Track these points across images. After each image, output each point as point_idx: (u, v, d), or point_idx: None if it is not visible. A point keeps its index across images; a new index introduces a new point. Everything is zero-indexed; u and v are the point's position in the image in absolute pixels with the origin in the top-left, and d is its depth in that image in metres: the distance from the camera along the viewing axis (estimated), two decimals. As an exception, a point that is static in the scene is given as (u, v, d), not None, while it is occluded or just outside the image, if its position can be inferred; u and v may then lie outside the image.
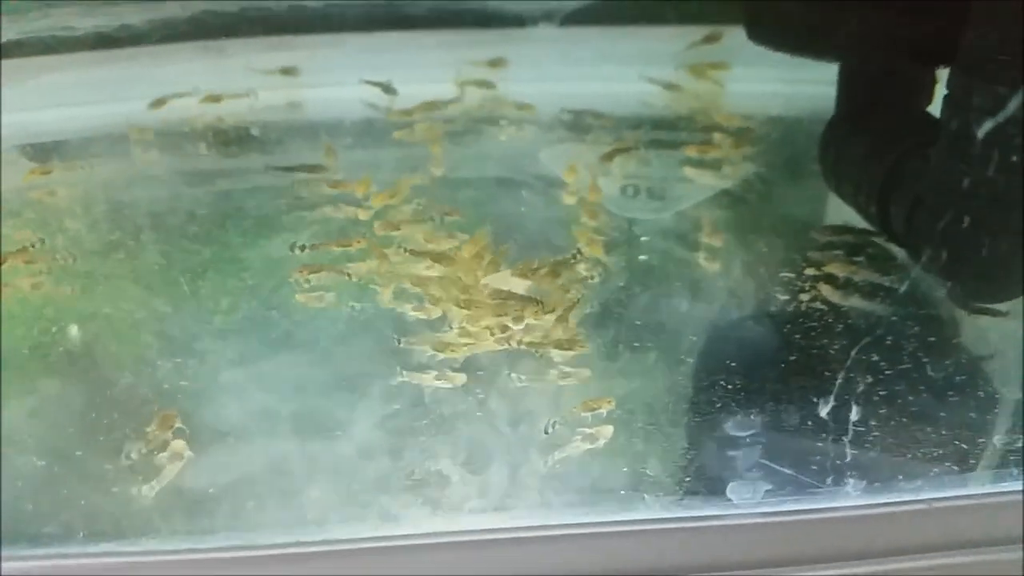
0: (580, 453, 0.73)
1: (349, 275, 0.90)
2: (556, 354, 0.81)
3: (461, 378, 0.79)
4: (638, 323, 0.84)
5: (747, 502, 0.67)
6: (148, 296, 0.88)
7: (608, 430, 0.74)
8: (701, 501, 0.67)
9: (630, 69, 1.20)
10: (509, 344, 0.81)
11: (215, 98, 1.19)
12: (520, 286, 0.87)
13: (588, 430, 0.74)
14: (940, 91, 0.85)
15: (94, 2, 1.18)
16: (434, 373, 0.79)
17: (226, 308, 0.87)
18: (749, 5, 0.91)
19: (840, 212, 0.98)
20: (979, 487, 0.69)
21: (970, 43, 0.72)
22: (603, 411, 0.75)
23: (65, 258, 0.93)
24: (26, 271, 0.91)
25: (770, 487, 0.68)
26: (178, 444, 0.73)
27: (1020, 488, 0.68)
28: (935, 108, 0.86)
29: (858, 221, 0.94)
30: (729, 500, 0.67)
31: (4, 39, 1.18)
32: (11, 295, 0.89)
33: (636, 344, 0.82)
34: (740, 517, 0.66)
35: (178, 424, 0.73)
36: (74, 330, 0.84)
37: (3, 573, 0.64)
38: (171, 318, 0.85)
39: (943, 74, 0.78)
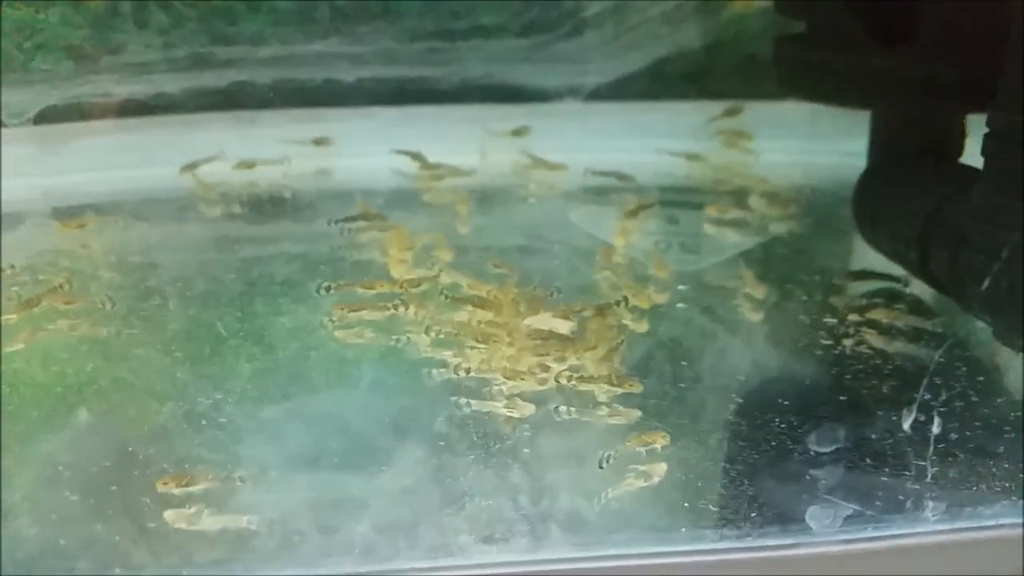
0: (634, 489, 0.72)
1: (394, 307, 0.90)
2: (605, 391, 0.81)
3: (530, 408, 0.78)
4: (683, 364, 0.84)
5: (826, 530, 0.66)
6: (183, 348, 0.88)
7: (662, 467, 0.73)
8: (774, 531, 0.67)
9: (653, 141, 1.24)
10: (557, 382, 0.81)
11: (248, 164, 1.22)
12: (562, 327, 0.88)
13: (642, 467, 0.74)
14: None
15: (132, 70, 1.22)
16: (504, 402, 0.78)
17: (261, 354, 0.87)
18: (780, 55, 0.95)
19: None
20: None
21: (1011, 80, 0.74)
22: (657, 446, 0.74)
23: (99, 304, 0.93)
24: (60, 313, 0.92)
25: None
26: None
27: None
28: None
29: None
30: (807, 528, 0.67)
31: (44, 105, 1.21)
32: (47, 337, 0.89)
33: (682, 385, 0.81)
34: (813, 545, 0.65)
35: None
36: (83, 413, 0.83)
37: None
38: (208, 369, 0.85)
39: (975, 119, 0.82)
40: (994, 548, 0.66)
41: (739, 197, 1.14)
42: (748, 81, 1.25)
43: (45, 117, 1.22)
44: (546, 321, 0.88)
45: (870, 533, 0.66)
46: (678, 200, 1.15)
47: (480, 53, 1.27)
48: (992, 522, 0.67)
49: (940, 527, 0.67)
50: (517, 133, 1.27)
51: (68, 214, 1.13)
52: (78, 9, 1.19)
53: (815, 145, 1.23)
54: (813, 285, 0.98)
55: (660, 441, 0.74)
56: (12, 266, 0.99)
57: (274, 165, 1.22)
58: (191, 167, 1.19)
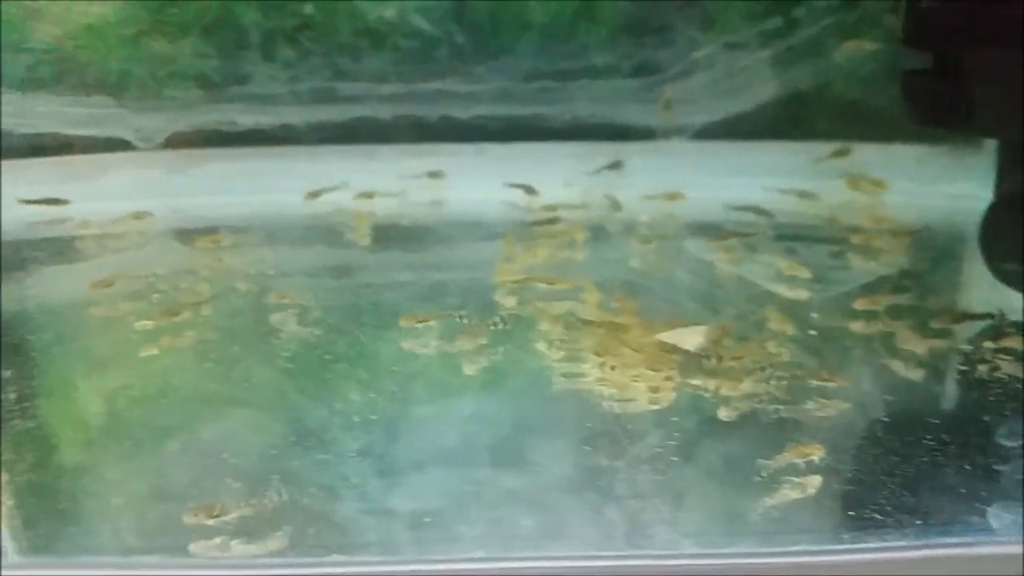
0: (789, 500, 0.72)
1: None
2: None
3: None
4: (829, 386, 0.85)
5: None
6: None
7: (817, 479, 0.74)
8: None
9: (761, 179, 1.26)
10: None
11: (367, 195, 1.26)
12: (692, 343, 0.89)
13: (796, 479, 0.74)
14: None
15: (258, 101, 1.27)
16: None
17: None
18: (908, 85, 0.97)
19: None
20: None
21: None
22: (814, 458, 0.75)
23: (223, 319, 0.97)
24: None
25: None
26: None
27: None
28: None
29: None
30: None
31: (173, 131, 1.27)
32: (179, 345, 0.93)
33: (825, 400, 0.83)
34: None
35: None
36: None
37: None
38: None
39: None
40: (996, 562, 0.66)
41: (854, 233, 1.15)
42: (856, 123, 1.27)
43: (173, 142, 1.28)
44: (679, 336, 0.90)
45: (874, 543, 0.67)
46: (792, 235, 1.17)
47: (590, 93, 1.30)
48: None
49: (944, 539, 0.67)
50: (614, 167, 1.30)
51: (194, 235, 1.18)
52: (209, 41, 1.25)
53: (924, 187, 1.24)
54: (937, 315, 0.99)
55: (816, 453, 0.75)
56: (154, 274, 1.04)
57: (391, 197, 1.26)
58: (315, 195, 1.24)
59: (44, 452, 0.79)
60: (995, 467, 0.74)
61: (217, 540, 0.67)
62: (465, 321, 0.96)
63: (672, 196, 1.24)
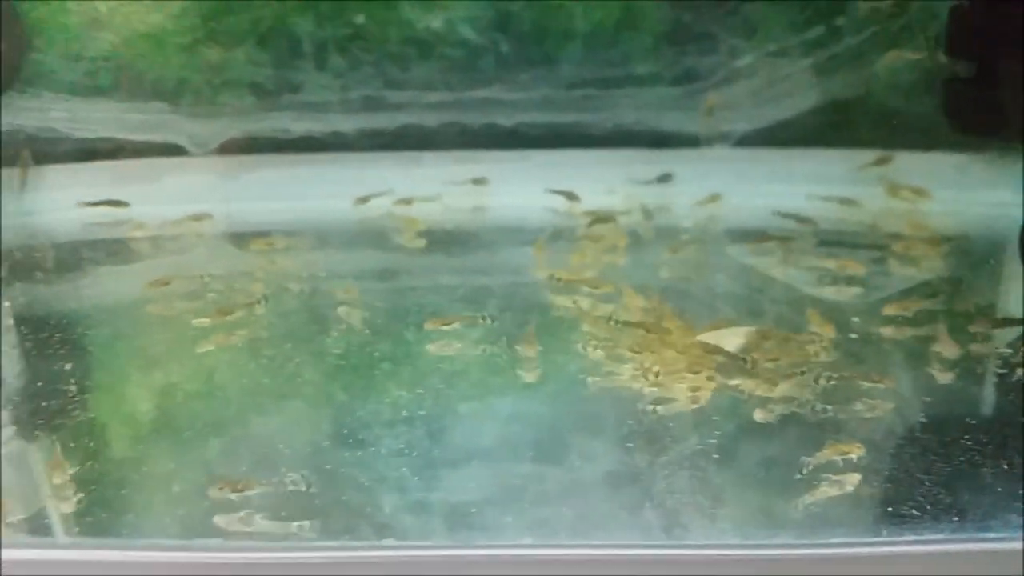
0: (827, 497, 0.74)
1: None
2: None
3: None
4: (868, 386, 0.86)
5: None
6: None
7: (856, 477, 0.75)
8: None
9: (802, 187, 1.27)
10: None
11: (412, 201, 1.28)
12: (732, 344, 0.91)
13: (835, 476, 0.76)
14: None
15: (309, 109, 1.30)
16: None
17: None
18: (950, 93, 0.98)
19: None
20: None
21: None
22: (853, 456, 0.77)
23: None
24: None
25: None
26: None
27: None
28: None
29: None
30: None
31: (226, 137, 1.31)
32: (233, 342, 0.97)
33: (869, 401, 0.84)
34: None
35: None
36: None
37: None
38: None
39: None
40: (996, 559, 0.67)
41: (894, 240, 1.16)
42: (897, 131, 1.28)
43: (226, 148, 1.32)
44: (720, 337, 0.92)
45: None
46: (834, 241, 1.18)
47: (633, 100, 1.32)
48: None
49: (945, 535, 0.68)
50: (661, 180, 1.32)
51: (246, 238, 1.21)
52: (263, 49, 1.29)
53: (964, 195, 1.25)
54: (976, 320, 0.99)
55: (856, 451, 0.77)
56: (210, 275, 1.07)
57: (435, 202, 1.28)
58: (363, 200, 1.27)
59: (101, 442, 0.82)
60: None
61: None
62: (492, 323, 0.99)
63: (712, 199, 1.26)
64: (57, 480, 0.76)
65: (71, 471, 0.77)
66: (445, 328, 0.98)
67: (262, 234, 1.20)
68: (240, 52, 1.29)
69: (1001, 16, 0.96)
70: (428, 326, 0.99)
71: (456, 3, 1.30)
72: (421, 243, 1.22)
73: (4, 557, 0.65)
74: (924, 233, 1.18)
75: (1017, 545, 0.63)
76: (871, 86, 1.29)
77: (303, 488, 0.74)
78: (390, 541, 0.67)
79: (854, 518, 0.72)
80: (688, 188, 1.30)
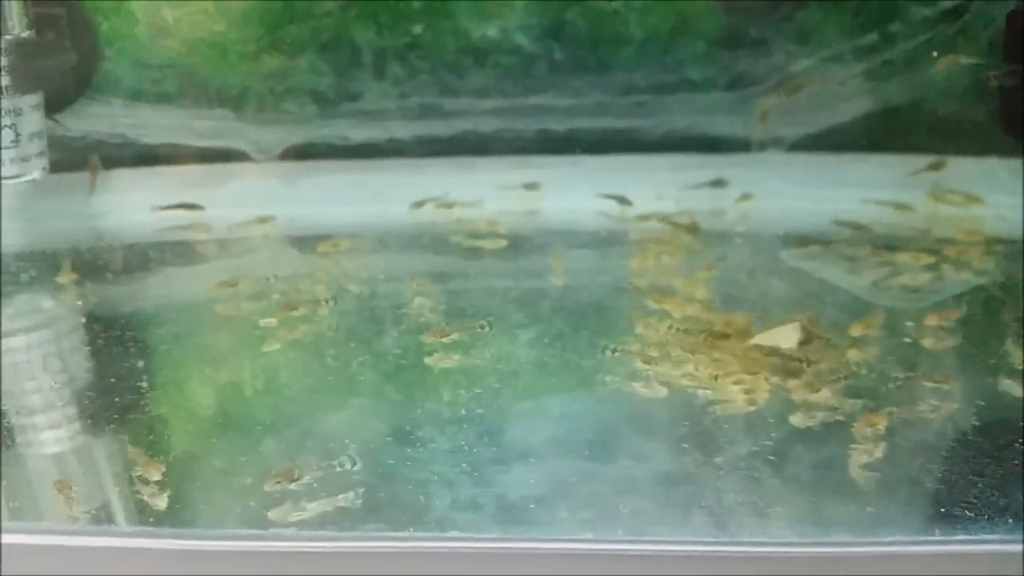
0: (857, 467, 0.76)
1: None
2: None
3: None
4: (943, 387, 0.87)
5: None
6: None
7: (882, 446, 0.79)
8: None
9: (856, 192, 1.27)
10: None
11: (468, 205, 1.31)
12: (788, 342, 0.92)
13: (861, 445, 0.79)
14: None
15: (368, 116, 1.34)
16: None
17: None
18: (1004, 99, 0.98)
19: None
20: None
21: None
22: (880, 427, 0.80)
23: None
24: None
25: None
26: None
27: None
28: None
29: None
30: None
31: (288, 144, 1.35)
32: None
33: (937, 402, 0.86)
34: None
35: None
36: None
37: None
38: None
39: None
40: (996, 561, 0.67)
41: (947, 245, 1.17)
42: (951, 136, 1.28)
43: (288, 154, 1.36)
44: (774, 336, 0.93)
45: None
46: (888, 245, 1.18)
47: (686, 105, 1.34)
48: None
49: (943, 537, 0.69)
50: (715, 184, 1.33)
51: (309, 241, 1.25)
52: (324, 58, 1.33)
53: (1017, 200, 1.24)
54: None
55: (881, 423, 0.80)
56: (275, 276, 1.11)
57: (482, 207, 1.31)
58: (419, 204, 1.30)
59: (169, 436, 0.86)
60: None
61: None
62: (488, 331, 1.00)
63: (745, 198, 1.28)
64: (136, 473, 0.79)
65: (145, 464, 0.80)
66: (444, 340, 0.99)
67: (325, 237, 1.24)
68: (302, 61, 1.33)
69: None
70: (427, 338, 0.99)
71: (511, 12, 1.33)
72: (473, 247, 1.24)
73: (65, 543, 0.68)
74: (977, 238, 1.18)
75: (1017, 547, 0.64)
76: (925, 91, 1.29)
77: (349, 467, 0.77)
78: (455, 533, 0.69)
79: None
80: (741, 193, 1.32)
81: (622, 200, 1.32)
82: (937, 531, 0.69)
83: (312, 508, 0.73)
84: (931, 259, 1.13)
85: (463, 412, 0.86)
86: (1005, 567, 0.66)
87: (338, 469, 0.77)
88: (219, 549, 0.66)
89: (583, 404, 0.90)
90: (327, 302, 1.05)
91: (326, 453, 0.80)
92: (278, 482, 0.75)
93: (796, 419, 0.83)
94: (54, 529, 0.73)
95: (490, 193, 1.32)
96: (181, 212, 1.30)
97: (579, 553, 0.67)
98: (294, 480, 0.76)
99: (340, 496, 0.74)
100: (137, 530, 0.71)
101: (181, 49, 1.35)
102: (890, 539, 0.68)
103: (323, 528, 0.72)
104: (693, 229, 1.25)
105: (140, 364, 0.96)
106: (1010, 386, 0.89)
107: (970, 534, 0.68)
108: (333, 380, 0.93)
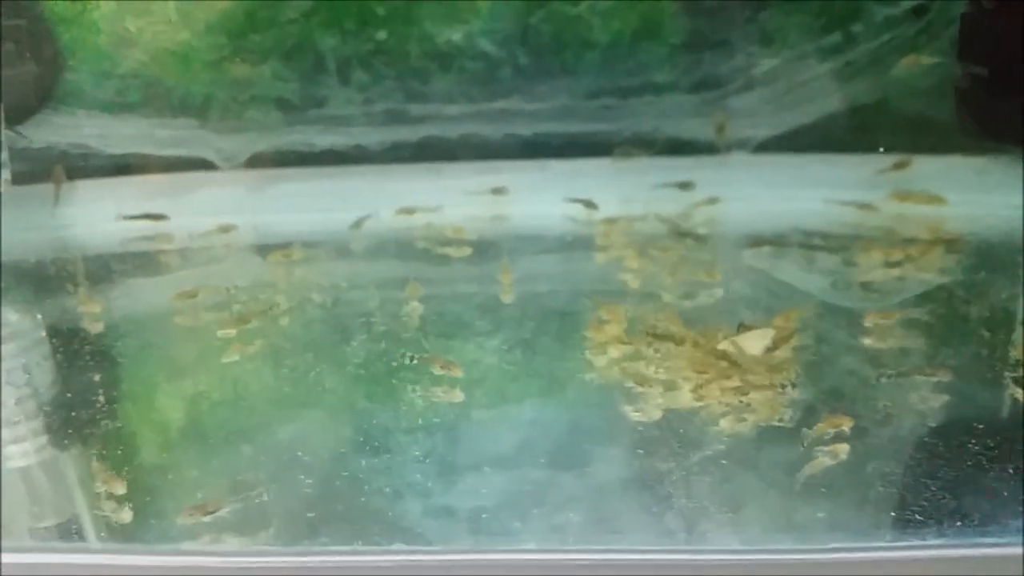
0: (824, 469, 0.76)
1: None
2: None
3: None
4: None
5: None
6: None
7: (844, 447, 0.78)
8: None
9: (821, 192, 1.27)
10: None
11: (433, 210, 1.30)
12: (756, 347, 0.92)
13: (827, 447, 0.78)
14: None
15: (333, 123, 1.33)
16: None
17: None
18: (963, 98, 0.98)
19: None
20: None
21: None
22: (845, 428, 0.80)
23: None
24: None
25: None
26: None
27: None
28: None
29: None
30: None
31: (253, 152, 1.34)
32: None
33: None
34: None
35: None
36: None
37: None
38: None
39: None
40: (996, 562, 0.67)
41: (912, 244, 1.17)
42: (915, 136, 1.29)
43: (253, 162, 1.36)
44: (742, 341, 0.93)
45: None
46: (852, 246, 1.18)
47: (651, 109, 1.34)
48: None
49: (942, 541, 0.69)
50: (683, 187, 1.33)
51: (270, 250, 1.24)
52: (288, 65, 1.32)
53: (982, 198, 1.25)
54: (995, 323, 1.00)
55: (846, 424, 0.80)
56: (235, 286, 1.10)
57: (455, 212, 1.30)
58: (408, 211, 1.29)
59: (129, 449, 0.85)
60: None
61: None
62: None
63: (711, 201, 1.28)
64: (95, 488, 0.78)
65: (106, 478, 0.79)
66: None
67: (283, 245, 1.23)
68: (266, 68, 1.32)
69: (1014, 20, 0.96)
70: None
71: (476, 17, 1.32)
72: (439, 253, 1.24)
73: (26, 560, 0.67)
74: (941, 237, 1.18)
75: (1017, 550, 0.64)
76: (888, 91, 1.30)
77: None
78: (399, 546, 0.69)
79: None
80: (707, 194, 1.31)
81: (589, 204, 1.32)
82: (934, 534, 0.69)
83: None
84: (892, 259, 1.13)
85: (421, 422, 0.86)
86: (1006, 567, 0.66)
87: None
88: (164, 565, 0.66)
89: (539, 411, 0.90)
90: (272, 309, 1.04)
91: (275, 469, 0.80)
92: (191, 515, 0.74)
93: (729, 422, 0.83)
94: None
95: (457, 198, 1.32)
96: (146, 222, 1.29)
97: (530, 563, 0.67)
98: (209, 513, 0.74)
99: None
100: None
101: (144, 58, 1.35)
102: (884, 544, 0.69)
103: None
104: (662, 230, 1.25)
105: (97, 378, 0.96)
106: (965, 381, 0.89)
107: (969, 536, 0.68)
108: (290, 391, 0.93)
